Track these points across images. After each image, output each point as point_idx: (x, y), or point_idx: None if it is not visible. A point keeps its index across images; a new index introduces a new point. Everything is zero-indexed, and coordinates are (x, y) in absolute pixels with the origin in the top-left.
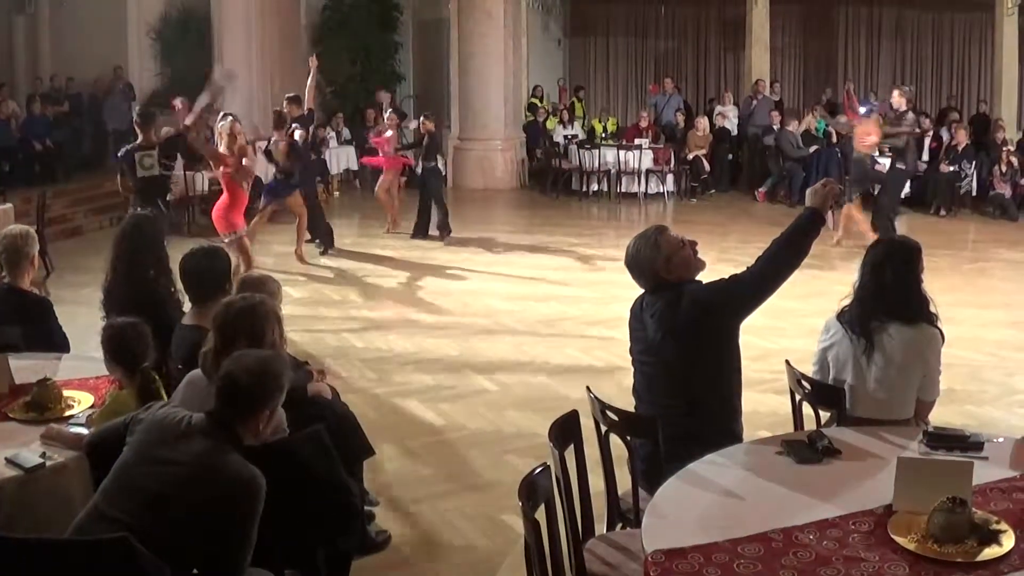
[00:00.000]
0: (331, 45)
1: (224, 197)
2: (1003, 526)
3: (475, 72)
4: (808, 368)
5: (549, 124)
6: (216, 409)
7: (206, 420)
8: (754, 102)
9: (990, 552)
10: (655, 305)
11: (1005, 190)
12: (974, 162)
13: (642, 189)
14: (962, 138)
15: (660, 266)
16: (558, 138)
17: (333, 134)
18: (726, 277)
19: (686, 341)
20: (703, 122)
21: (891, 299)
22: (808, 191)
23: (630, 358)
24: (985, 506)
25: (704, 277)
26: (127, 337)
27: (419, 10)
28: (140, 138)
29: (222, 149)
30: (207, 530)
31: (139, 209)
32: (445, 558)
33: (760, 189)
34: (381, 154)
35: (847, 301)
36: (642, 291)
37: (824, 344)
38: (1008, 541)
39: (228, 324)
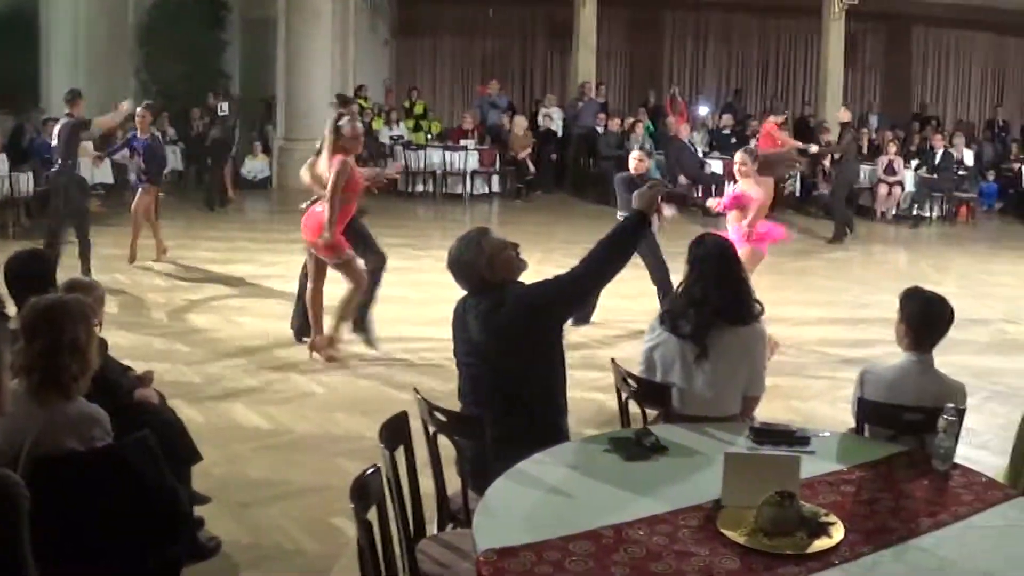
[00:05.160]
0: (159, 43)
1: None
2: (832, 518)
3: (302, 72)
4: (635, 367)
5: (375, 125)
6: None
7: None
8: (580, 104)
9: (820, 544)
10: (478, 307)
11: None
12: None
13: (468, 190)
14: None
15: (483, 268)
16: (384, 139)
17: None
18: (550, 278)
19: (510, 341)
20: (521, 121)
21: (716, 299)
22: (635, 193)
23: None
24: (813, 499)
25: (528, 278)
26: None
27: (246, 8)
28: None
29: None
30: None
31: None
32: (276, 563)
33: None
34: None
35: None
36: (464, 293)
37: (650, 343)
38: (837, 533)
39: (29, 321)
